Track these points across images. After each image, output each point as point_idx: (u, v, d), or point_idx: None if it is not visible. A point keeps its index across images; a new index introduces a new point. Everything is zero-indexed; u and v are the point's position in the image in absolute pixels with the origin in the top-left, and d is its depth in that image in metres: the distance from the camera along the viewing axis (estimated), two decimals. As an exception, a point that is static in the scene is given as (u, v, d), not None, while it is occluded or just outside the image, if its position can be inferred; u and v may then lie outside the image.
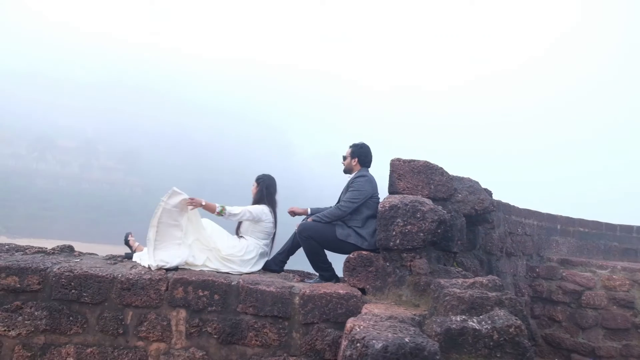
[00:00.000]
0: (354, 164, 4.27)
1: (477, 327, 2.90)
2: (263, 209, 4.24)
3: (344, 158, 4.36)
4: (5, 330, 3.45)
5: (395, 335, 2.47)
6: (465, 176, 4.88)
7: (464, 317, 3.04)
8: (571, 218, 7.73)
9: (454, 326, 2.91)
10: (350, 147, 4.35)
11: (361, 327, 2.62)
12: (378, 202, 4.13)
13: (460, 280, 3.44)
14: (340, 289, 3.61)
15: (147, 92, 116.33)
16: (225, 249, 3.98)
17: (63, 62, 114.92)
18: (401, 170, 4.31)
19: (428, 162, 4.36)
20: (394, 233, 3.70)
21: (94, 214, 62.39)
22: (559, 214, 7.75)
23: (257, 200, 4.34)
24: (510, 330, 2.89)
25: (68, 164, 77.37)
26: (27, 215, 56.06)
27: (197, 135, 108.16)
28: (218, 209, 4.07)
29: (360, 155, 4.26)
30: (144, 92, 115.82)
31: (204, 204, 4.05)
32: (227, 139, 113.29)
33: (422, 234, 3.68)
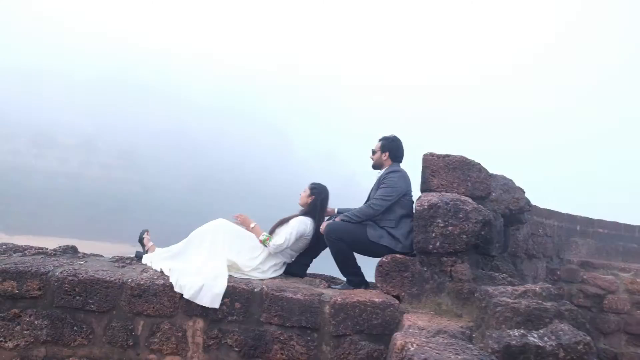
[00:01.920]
0: (384, 158, 3.90)
1: (539, 344, 2.55)
2: (306, 227, 3.84)
3: (373, 152, 3.99)
4: (1, 341, 3.09)
5: (458, 356, 2.11)
6: (499, 173, 4.54)
7: (522, 331, 2.69)
8: (590, 219, 7.50)
9: (513, 342, 2.55)
10: (380, 140, 3.98)
11: (414, 345, 2.26)
12: (412, 201, 3.78)
13: (509, 289, 3.08)
14: (375, 296, 3.25)
15: (147, 90, 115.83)
16: (245, 263, 3.63)
17: (63, 59, 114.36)
18: (435, 165, 3.95)
19: (464, 157, 4.00)
20: (433, 235, 3.34)
21: (93, 212, 61.88)
22: (579, 214, 7.51)
23: (307, 212, 3.95)
24: (579, 347, 2.54)
25: (67, 161, 76.91)
26: (26, 212, 55.61)
27: (196, 133, 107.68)
28: (262, 237, 3.77)
29: (392, 149, 3.90)
30: (144, 90, 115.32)
31: (252, 226, 3.84)
32: (226, 137, 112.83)
33: (464, 236, 3.32)
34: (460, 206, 3.35)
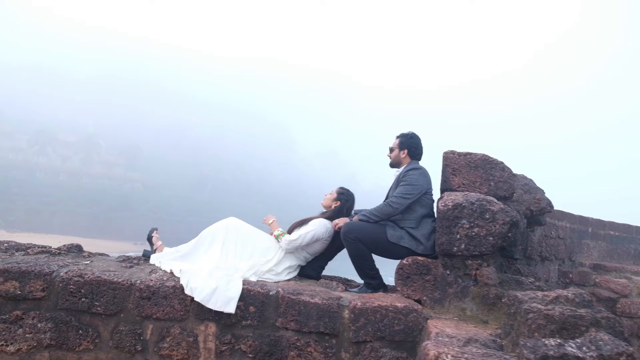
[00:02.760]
0: (402, 156, 3.73)
1: (579, 355, 2.38)
2: (326, 230, 3.68)
3: (391, 150, 3.82)
4: (2, 345, 2.92)
5: (499, 369, 1.94)
6: (519, 173, 4.38)
7: (558, 340, 2.52)
8: (602, 221, 7.37)
9: (551, 353, 2.38)
10: (398, 137, 3.81)
11: (449, 356, 2.09)
12: (433, 200, 3.61)
13: (539, 294, 2.91)
14: (397, 301, 3.08)
15: (149, 87, 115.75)
16: (258, 264, 3.47)
17: (65, 56, 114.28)
18: (456, 164, 3.78)
19: (487, 156, 3.83)
20: (458, 236, 3.17)
21: (94, 209, 61.85)
22: (590, 216, 7.38)
23: (330, 216, 3.79)
24: (621, 359, 2.37)
25: (69, 158, 76.81)
26: (27, 210, 55.57)
27: (198, 132, 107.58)
28: (276, 233, 3.65)
29: (411, 146, 3.73)
30: (146, 87, 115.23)
31: (271, 222, 3.77)
32: (228, 135, 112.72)
33: (491, 238, 3.15)
34: (486, 206, 3.18)
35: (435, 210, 3.50)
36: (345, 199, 3.80)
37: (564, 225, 6.55)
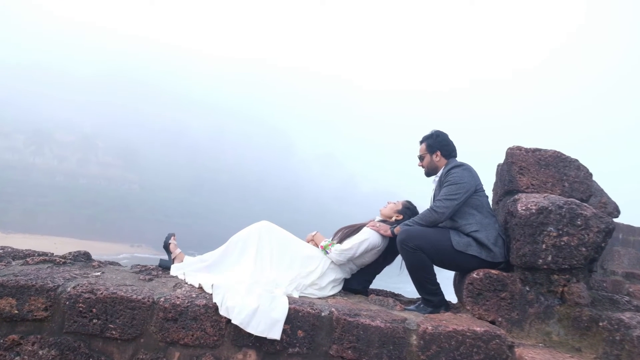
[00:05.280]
0: (436, 159, 3.22)
1: None
2: (380, 240, 3.18)
3: (421, 158, 3.30)
4: (-5, 376, 2.39)
5: None
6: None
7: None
8: (632, 227, 6.91)
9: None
10: (423, 141, 3.29)
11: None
12: (487, 199, 3.08)
13: (647, 317, 2.40)
14: (473, 324, 2.56)
15: (147, 88, 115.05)
16: (299, 277, 2.96)
17: (62, 55, 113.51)
18: (524, 162, 3.28)
19: (559, 153, 3.33)
20: (543, 246, 2.66)
21: (91, 210, 61.15)
22: (621, 221, 6.92)
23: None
24: None
25: (65, 158, 76.03)
26: (23, 210, 54.79)
27: (196, 133, 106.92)
28: (323, 243, 3.17)
29: (442, 145, 3.22)
30: (144, 87, 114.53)
31: (314, 233, 3.37)
32: (226, 137, 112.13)
33: (584, 249, 2.64)
34: (577, 211, 2.67)
35: (488, 210, 3.00)
36: (409, 215, 3.27)
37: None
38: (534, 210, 2.70)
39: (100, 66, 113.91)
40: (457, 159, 3.25)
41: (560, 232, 2.65)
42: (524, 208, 2.73)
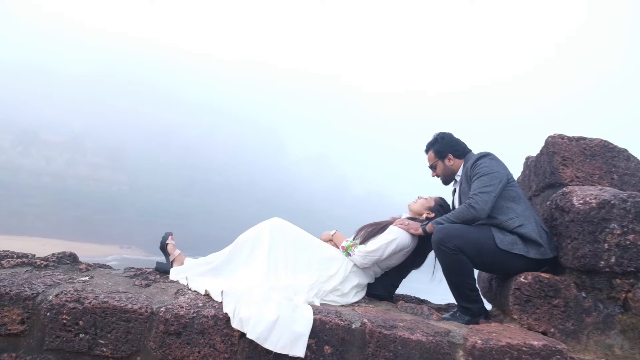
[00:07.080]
0: (450, 163, 2.90)
1: None
2: (409, 240, 2.80)
3: (433, 168, 2.97)
4: (-40, 404, 1.97)
5: None
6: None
7: None
8: None
9: None
10: (429, 148, 2.97)
11: None
12: (518, 189, 2.72)
13: None
14: (529, 337, 2.19)
15: (137, 87, 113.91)
16: (319, 282, 2.58)
17: (51, 54, 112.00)
18: (567, 152, 2.94)
19: (606, 142, 2.99)
20: (606, 246, 2.31)
21: (79, 212, 60.14)
22: None
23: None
24: None
25: (53, 159, 74.80)
26: (10, 212, 53.68)
27: (187, 133, 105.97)
28: (345, 244, 2.81)
29: (451, 146, 2.90)
30: (134, 87, 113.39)
31: (333, 233, 3.00)
32: (217, 138, 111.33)
33: (652, 249, 2.29)
34: (644, 205, 2.32)
35: (525, 202, 2.65)
36: (441, 213, 2.87)
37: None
38: (594, 205, 2.34)
39: (89, 65, 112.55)
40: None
41: (625, 229, 2.30)
42: (581, 202, 2.38)
